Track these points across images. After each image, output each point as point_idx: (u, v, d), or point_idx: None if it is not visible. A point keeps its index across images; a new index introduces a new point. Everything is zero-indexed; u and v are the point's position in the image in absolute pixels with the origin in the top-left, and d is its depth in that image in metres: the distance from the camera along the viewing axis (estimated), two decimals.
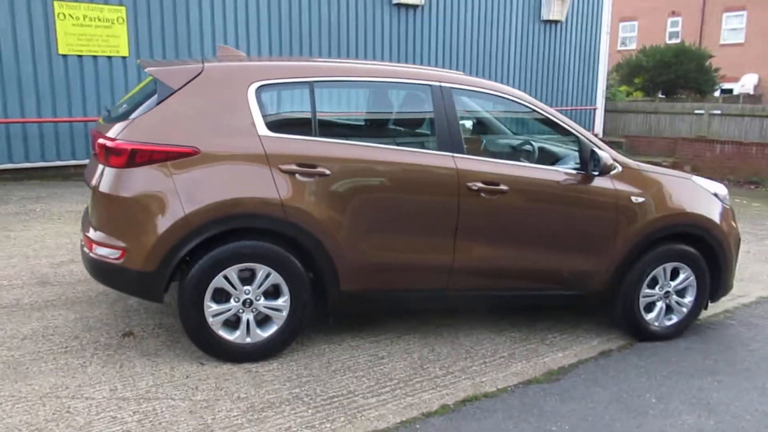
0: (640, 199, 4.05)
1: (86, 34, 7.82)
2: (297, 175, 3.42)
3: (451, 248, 3.75)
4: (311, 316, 3.68)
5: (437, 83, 3.78)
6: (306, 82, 3.57)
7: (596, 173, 3.87)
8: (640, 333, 4.25)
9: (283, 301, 3.52)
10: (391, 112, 4.02)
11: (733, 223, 4.42)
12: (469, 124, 4.81)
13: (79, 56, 7.80)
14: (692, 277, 4.26)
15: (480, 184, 3.71)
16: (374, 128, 4.01)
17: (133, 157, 3.27)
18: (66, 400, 3.03)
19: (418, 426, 3.07)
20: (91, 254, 3.41)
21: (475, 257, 3.82)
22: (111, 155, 3.30)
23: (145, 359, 3.50)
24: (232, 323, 3.50)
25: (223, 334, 3.47)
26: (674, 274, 4.24)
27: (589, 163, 3.90)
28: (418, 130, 3.92)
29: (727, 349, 4.22)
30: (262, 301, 3.50)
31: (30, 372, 3.28)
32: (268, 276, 3.46)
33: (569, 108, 13.51)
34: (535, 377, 3.67)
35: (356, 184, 3.54)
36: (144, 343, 3.69)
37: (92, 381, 3.23)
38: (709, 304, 4.52)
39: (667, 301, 4.27)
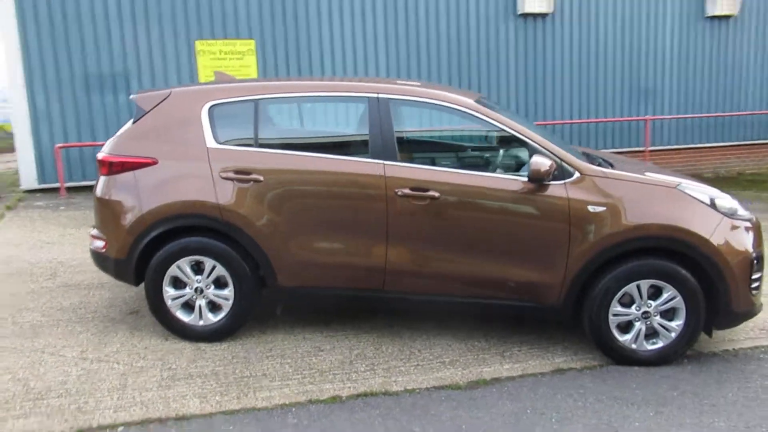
0: (600, 209, 3.77)
1: (222, 66, 9.20)
2: (234, 182, 3.91)
3: (383, 251, 3.90)
4: (255, 306, 4.12)
5: (375, 95, 3.98)
6: (252, 99, 4.05)
7: (525, 179, 3.73)
8: (614, 355, 3.90)
9: (228, 291, 4.02)
10: (331, 124, 4.28)
11: (744, 240, 3.83)
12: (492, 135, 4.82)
13: None
14: (678, 298, 3.79)
15: (407, 191, 3.82)
16: (313, 139, 4.31)
17: (111, 167, 4.06)
18: (45, 356, 3.88)
19: (294, 410, 3.33)
20: (90, 246, 4.28)
21: (409, 261, 3.91)
22: (101, 166, 4.13)
23: (128, 332, 4.25)
24: (191, 307, 4.09)
25: (180, 315, 4.07)
26: (658, 293, 3.83)
27: None
28: (354, 140, 4.12)
29: (715, 384, 3.67)
30: (211, 289, 4.04)
31: (42, 333, 4.22)
32: (214, 268, 3.99)
33: (744, 113, 11.84)
34: (455, 383, 3.65)
35: (287, 190, 3.91)
36: (140, 321, 4.45)
37: (75, 344, 4.06)
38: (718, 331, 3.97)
39: (648, 323, 3.86)
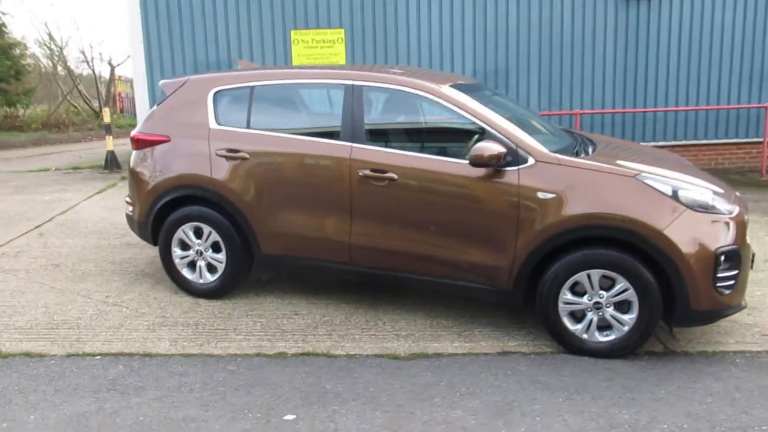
0: (549, 196, 3.78)
1: (314, 54, 9.86)
2: (226, 159, 4.46)
3: (348, 227, 4.23)
4: (246, 270, 4.65)
5: (350, 82, 4.28)
6: (248, 86, 4.55)
7: (466, 162, 3.83)
8: (565, 343, 3.90)
9: (222, 255, 4.60)
10: (314, 108, 4.60)
11: (709, 234, 3.63)
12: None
13: None
14: (631, 291, 3.70)
15: (367, 172, 4.10)
16: (297, 121, 4.63)
17: (138, 143, 4.80)
18: (78, 297, 4.74)
19: (239, 359, 3.81)
20: (126, 211, 5.08)
21: (370, 237, 4.20)
22: (132, 142, 4.89)
23: (151, 285, 5.01)
24: (195, 266, 4.73)
25: (186, 273, 4.74)
26: (613, 284, 3.77)
27: None
28: (330, 124, 4.39)
29: (655, 381, 3.55)
30: (209, 253, 4.64)
31: (86, 279, 5.12)
32: (210, 234, 4.59)
33: None
34: (396, 354, 3.90)
35: (268, 167, 4.38)
36: (166, 276, 5.17)
37: (105, 290, 4.89)
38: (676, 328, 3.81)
39: (600, 314, 3.81)
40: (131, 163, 4.91)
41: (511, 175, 3.87)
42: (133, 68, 9.90)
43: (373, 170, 4.10)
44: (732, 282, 3.72)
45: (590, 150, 4.33)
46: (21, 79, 18.01)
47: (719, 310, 3.72)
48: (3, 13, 17.05)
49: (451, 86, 4.27)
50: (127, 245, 6.06)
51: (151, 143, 4.72)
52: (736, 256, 3.71)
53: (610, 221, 3.67)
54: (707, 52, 10.08)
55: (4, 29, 17.01)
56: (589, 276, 3.76)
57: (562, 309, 3.85)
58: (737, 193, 4.25)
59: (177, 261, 4.73)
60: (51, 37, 21.26)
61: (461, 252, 4.02)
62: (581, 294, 3.82)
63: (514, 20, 9.93)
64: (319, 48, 9.88)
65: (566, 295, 3.83)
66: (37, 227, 6.75)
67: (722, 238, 3.66)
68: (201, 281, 4.71)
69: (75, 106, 22.01)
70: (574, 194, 3.75)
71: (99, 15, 35.31)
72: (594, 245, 3.76)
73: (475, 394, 3.41)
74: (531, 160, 3.86)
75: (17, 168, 11.72)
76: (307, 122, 4.48)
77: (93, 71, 23.43)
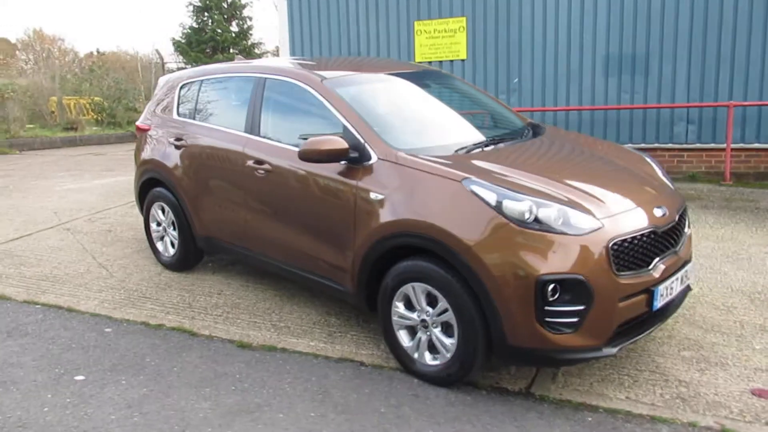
0: (380, 197, 3.47)
1: (435, 44, 9.71)
2: (174, 147, 4.94)
3: (244, 215, 4.39)
4: (193, 250, 5.08)
5: (258, 74, 4.40)
6: (198, 80, 4.95)
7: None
8: (400, 360, 3.56)
9: (176, 233, 5.12)
10: (237, 100, 4.65)
11: (536, 255, 2.97)
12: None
13: (429, 62, 9.79)
14: (450, 311, 3.23)
15: (252, 163, 4.21)
16: (224, 113, 4.74)
17: (138, 130, 5.57)
18: (88, 257, 5.72)
19: (125, 324, 4.28)
20: None
21: (257, 226, 4.31)
22: (136, 130, 5.67)
23: (148, 254, 5.74)
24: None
25: (159, 246, 5.39)
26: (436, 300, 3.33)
27: None
28: (241, 115, 4.47)
29: (448, 421, 3.07)
30: (171, 230, 5.21)
31: (114, 244, 6.11)
32: (169, 212, 5.14)
33: None
34: (248, 342, 3.96)
35: (195, 155, 4.75)
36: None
37: (113, 254, 5.79)
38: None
39: (429, 334, 3.39)
40: (136, 145, 5.70)
41: (354, 171, 3.63)
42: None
43: (256, 161, 4.19)
44: (574, 319, 2.98)
45: (499, 146, 3.81)
46: None
47: (549, 350, 3.02)
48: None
49: (390, 74, 4.24)
50: None
51: (142, 130, 5.44)
52: (580, 287, 2.96)
53: (417, 229, 3.24)
54: None
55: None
56: (414, 289, 3.37)
57: (396, 322, 3.51)
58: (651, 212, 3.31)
59: (154, 235, 5.40)
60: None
61: (318, 248, 3.91)
62: (413, 308, 3.43)
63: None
64: (441, 38, 9.75)
65: (398, 308, 3.48)
66: None
67: (557, 263, 2.96)
68: (166, 254, 5.31)
69: None
70: (397, 197, 3.39)
71: None
72: (417, 255, 3.35)
73: (248, 391, 3.38)
74: (374, 158, 3.57)
75: None
76: (231, 114, 4.70)
77: None
